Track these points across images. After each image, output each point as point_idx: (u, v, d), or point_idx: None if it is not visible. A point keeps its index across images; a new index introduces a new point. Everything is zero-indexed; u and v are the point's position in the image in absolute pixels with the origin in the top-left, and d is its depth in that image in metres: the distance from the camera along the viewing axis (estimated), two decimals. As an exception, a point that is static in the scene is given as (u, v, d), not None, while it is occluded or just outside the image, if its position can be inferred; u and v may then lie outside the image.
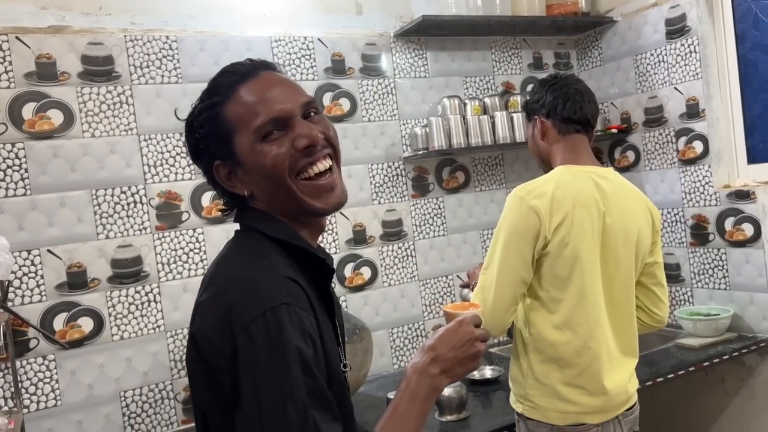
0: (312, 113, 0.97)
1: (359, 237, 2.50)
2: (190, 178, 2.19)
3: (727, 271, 2.46)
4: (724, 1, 2.47)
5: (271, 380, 0.81)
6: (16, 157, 1.95)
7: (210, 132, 0.95)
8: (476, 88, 2.79)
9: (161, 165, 2.15)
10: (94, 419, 2.01)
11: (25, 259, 1.95)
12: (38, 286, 1.96)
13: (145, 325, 2.10)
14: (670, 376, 2.13)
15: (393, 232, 2.57)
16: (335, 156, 0.98)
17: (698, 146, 2.52)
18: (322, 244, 2.26)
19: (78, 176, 2.03)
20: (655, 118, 2.69)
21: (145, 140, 2.13)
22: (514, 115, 2.62)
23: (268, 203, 0.97)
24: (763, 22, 2.38)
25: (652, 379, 2.09)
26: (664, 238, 2.68)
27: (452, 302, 2.67)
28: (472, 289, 1.67)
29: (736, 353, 2.27)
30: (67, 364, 1.98)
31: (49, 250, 1.98)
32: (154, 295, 2.12)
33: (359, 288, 2.49)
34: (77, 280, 2.01)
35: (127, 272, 2.08)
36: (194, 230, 2.19)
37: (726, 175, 2.49)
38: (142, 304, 2.10)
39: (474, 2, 2.58)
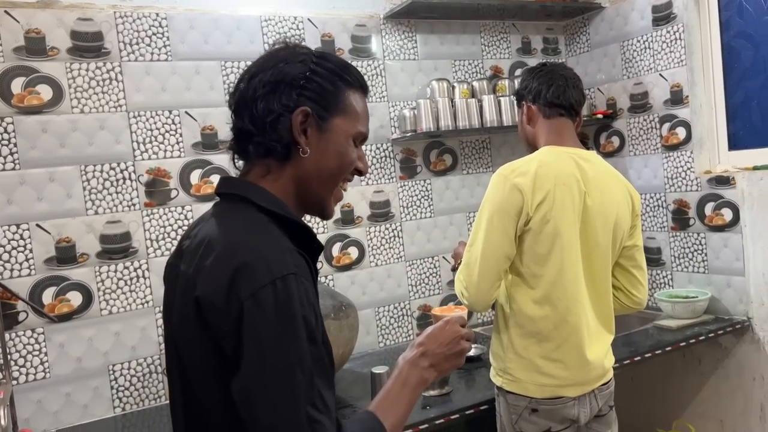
0: None
1: (347, 217, 2.53)
2: (179, 156, 2.21)
3: (706, 255, 2.52)
4: (710, -11, 2.51)
5: (279, 346, 0.82)
6: (5, 131, 1.95)
7: (324, 88, 0.98)
8: (465, 71, 2.81)
9: (150, 142, 2.16)
10: (83, 392, 2.04)
11: (14, 233, 1.96)
12: (27, 260, 1.98)
13: (134, 301, 2.12)
14: (647, 355, 2.19)
15: (380, 213, 2.60)
16: None
17: (681, 132, 2.56)
18: (310, 224, 2.29)
19: (67, 152, 2.04)
20: (640, 104, 2.73)
21: (134, 117, 2.14)
22: (501, 99, 2.65)
23: (295, 178, 0.99)
24: (747, 10, 2.42)
25: (630, 358, 2.15)
26: (647, 222, 2.73)
27: (438, 284, 2.72)
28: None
29: (712, 335, 2.33)
30: (56, 337, 2.01)
31: (38, 225, 1.99)
32: (143, 271, 2.14)
33: (346, 267, 2.53)
34: (66, 254, 2.03)
35: (116, 248, 2.10)
36: (183, 207, 2.21)
37: (707, 161, 2.54)
38: (131, 279, 2.12)
39: (464, -15, 2.60)
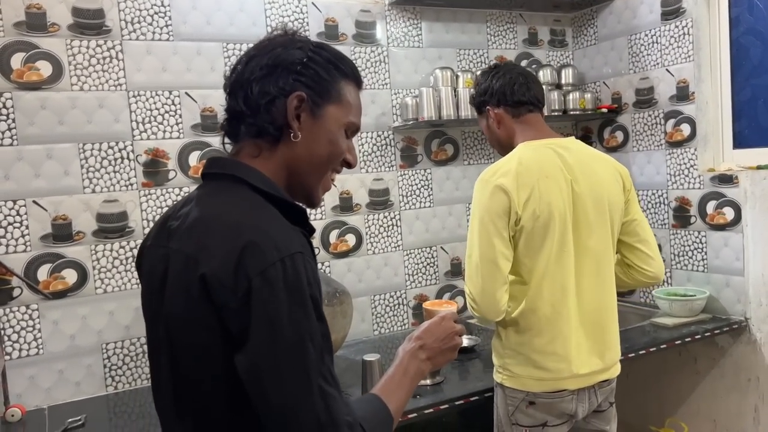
0: None
1: (345, 204, 2.52)
2: (178, 137, 2.20)
3: (705, 253, 2.50)
4: (721, -16, 2.47)
5: (290, 321, 0.83)
6: (4, 107, 1.94)
7: (320, 75, 0.99)
8: (469, 60, 2.79)
9: (149, 122, 2.15)
10: (76, 369, 2.05)
11: (10, 209, 1.96)
12: (23, 236, 1.98)
13: (129, 280, 2.12)
14: (642, 352, 2.18)
15: (379, 201, 2.59)
16: None
17: (686, 129, 2.54)
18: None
19: (65, 129, 2.03)
20: (645, 99, 2.70)
21: (134, 96, 2.13)
22: (505, 89, 2.62)
23: (285, 162, 0.99)
24: (758, 7, 2.38)
25: (625, 355, 2.13)
26: (648, 218, 2.70)
27: (435, 274, 2.71)
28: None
29: (709, 334, 2.32)
30: (50, 314, 2.01)
31: (34, 201, 1.99)
32: (139, 251, 2.14)
33: (343, 254, 2.52)
34: (62, 232, 2.03)
35: (113, 227, 2.10)
36: (180, 189, 2.20)
37: (711, 158, 2.52)
38: (126, 259, 2.12)
39: (471, -27, 2.57)
